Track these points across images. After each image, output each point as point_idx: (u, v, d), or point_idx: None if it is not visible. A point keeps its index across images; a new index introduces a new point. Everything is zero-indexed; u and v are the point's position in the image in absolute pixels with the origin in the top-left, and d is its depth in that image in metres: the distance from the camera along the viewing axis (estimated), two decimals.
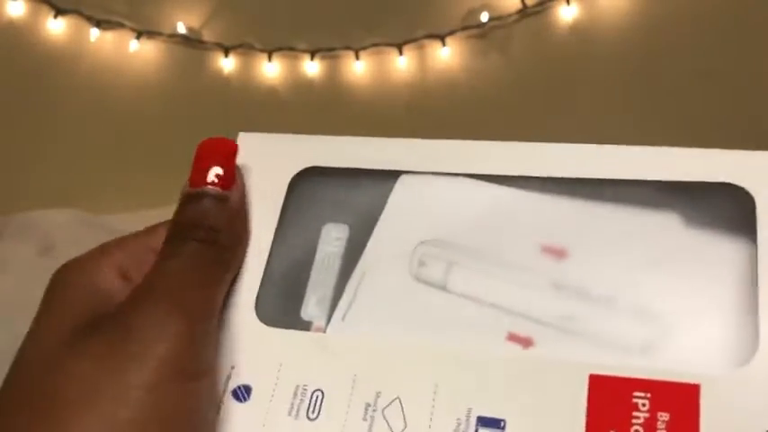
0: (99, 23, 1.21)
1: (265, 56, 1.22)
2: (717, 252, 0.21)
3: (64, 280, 0.25)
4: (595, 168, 0.22)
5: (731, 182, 0.21)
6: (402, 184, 0.24)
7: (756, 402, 0.19)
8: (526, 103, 1.25)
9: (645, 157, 0.22)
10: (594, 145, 0.22)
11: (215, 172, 0.24)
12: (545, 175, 0.22)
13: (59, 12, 1.20)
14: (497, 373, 0.21)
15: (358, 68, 1.22)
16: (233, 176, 0.24)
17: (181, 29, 1.21)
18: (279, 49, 1.22)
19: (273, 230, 0.25)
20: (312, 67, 1.23)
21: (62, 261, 1.09)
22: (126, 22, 1.21)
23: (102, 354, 0.22)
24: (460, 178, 0.23)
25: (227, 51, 1.22)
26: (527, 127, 1.25)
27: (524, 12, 1.20)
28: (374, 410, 0.22)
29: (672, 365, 0.20)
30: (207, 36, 1.22)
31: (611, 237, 0.22)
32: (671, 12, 1.21)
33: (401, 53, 1.21)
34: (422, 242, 0.24)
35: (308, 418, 0.23)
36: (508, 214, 0.23)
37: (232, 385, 0.24)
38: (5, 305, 1.15)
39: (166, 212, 1.19)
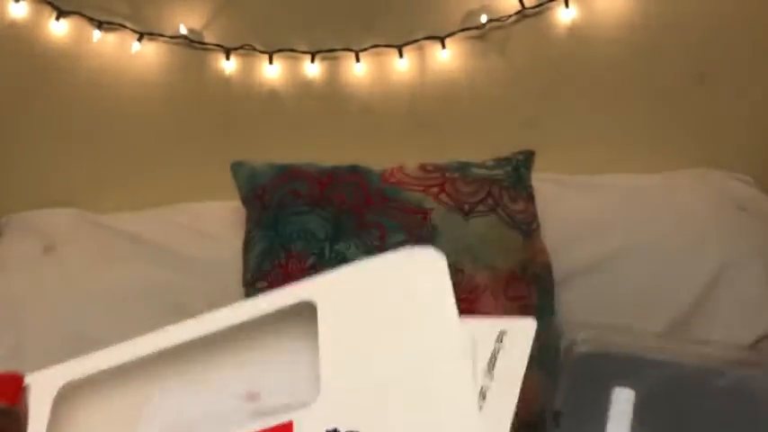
0: (101, 25, 1.21)
1: (266, 57, 1.22)
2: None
3: None
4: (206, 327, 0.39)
5: (304, 299, 0.36)
6: (160, 391, 0.41)
7: None
8: (524, 103, 1.25)
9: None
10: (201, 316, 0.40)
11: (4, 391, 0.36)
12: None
13: (62, 13, 1.21)
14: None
15: (358, 70, 1.23)
16: (19, 395, 0.36)
17: (182, 30, 1.22)
18: (280, 51, 1.22)
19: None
20: (312, 69, 1.23)
21: (62, 260, 1.11)
22: (128, 24, 1.22)
23: None
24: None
25: (228, 53, 1.22)
26: (525, 127, 1.25)
27: (523, 13, 1.21)
28: None
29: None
30: (208, 38, 1.23)
31: (284, 376, 0.38)
32: (667, 14, 1.22)
33: (401, 54, 1.22)
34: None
35: None
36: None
37: None
38: (7, 304, 1.16)
39: (166, 212, 1.20)
